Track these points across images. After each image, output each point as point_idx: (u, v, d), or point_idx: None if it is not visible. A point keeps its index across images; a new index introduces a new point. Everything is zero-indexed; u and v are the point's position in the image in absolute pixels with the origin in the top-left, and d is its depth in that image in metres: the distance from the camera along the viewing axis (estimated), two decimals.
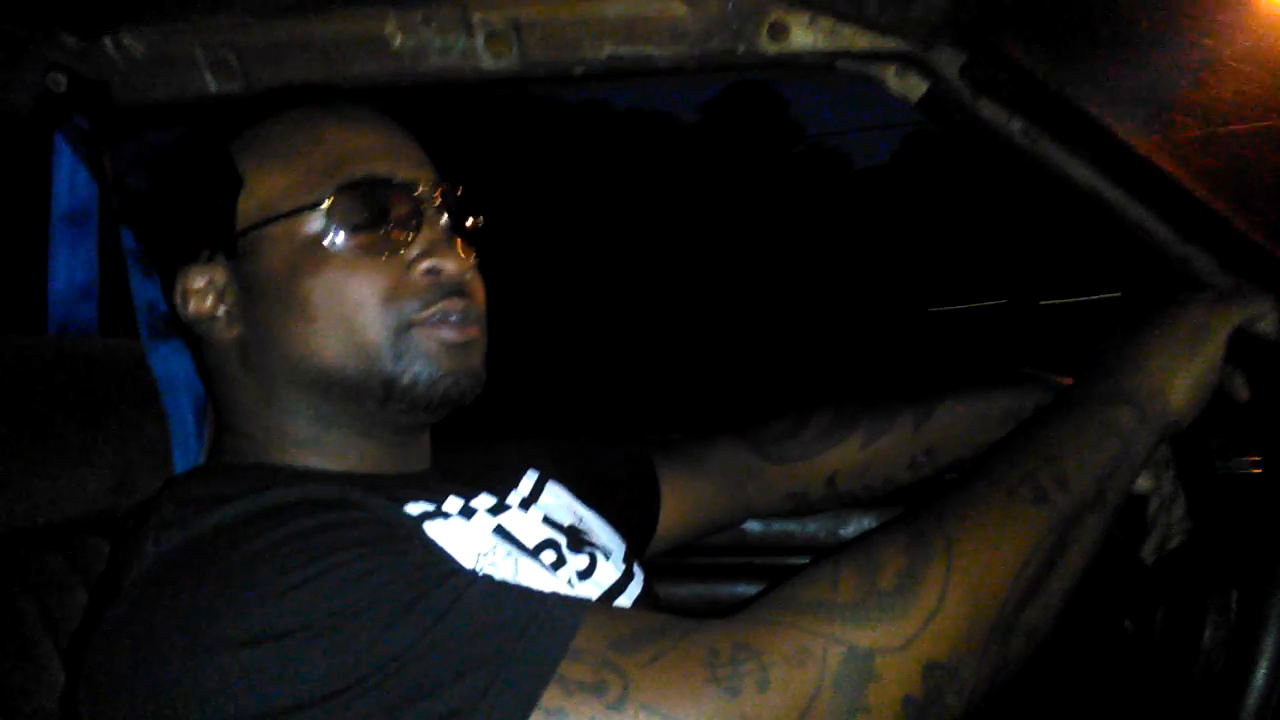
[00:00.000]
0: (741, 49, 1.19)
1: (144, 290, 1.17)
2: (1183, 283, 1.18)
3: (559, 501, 1.03)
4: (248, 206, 0.85)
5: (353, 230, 0.84)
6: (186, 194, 0.89)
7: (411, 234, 0.86)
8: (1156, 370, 0.84)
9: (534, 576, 0.85)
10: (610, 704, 0.62)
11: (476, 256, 0.91)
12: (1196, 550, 0.97)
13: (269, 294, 0.85)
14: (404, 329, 0.84)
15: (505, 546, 0.86)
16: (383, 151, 0.88)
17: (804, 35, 1.18)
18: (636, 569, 1.02)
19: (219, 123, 0.91)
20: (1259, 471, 1.04)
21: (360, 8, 1.26)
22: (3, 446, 0.91)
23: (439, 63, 1.27)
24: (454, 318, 0.86)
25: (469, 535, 0.85)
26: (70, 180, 1.28)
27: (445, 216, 0.88)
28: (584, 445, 1.26)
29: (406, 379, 0.84)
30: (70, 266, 1.25)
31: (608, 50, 1.23)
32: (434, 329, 0.85)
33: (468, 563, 0.76)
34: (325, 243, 0.83)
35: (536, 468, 1.07)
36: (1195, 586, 0.89)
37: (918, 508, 0.74)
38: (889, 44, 1.16)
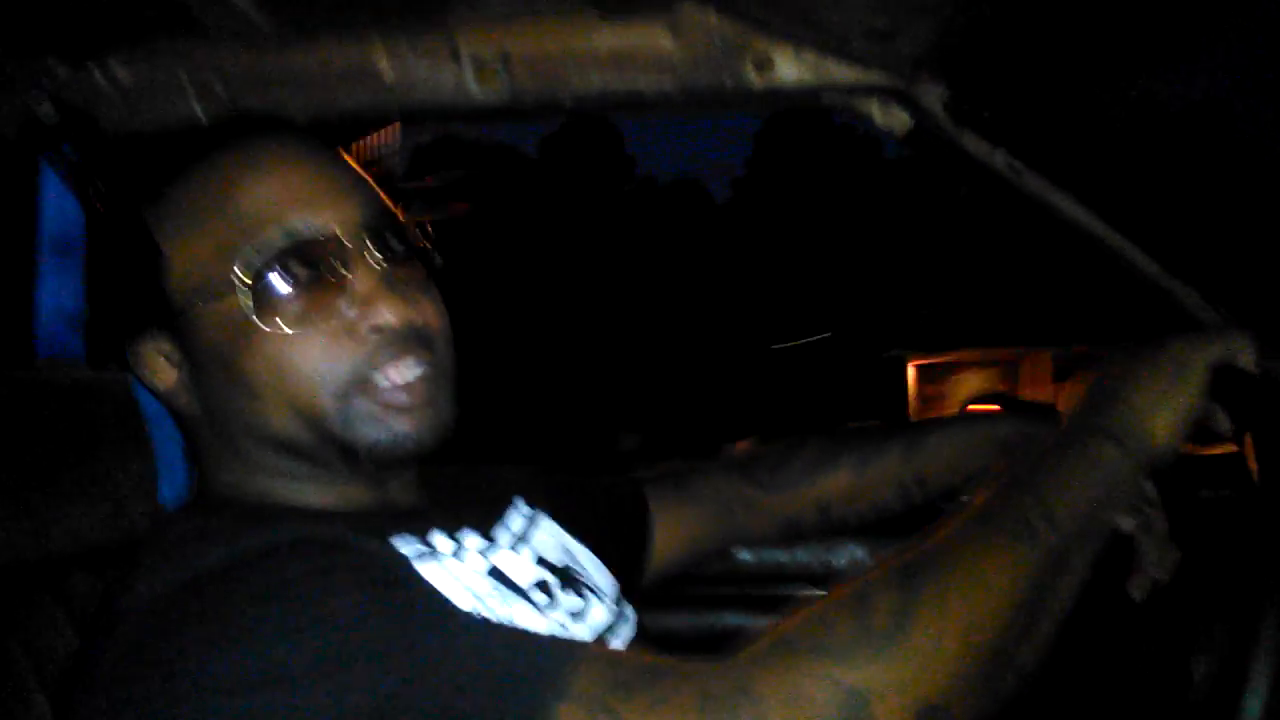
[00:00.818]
0: (728, 82, 1.20)
1: None
2: (1167, 317, 1.19)
3: (551, 539, 1.03)
4: (174, 282, 0.83)
5: (280, 300, 0.80)
6: (119, 268, 0.86)
7: (341, 290, 0.82)
8: (1139, 406, 0.85)
9: (527, 617, 0.84)
10: None
11: (425, 283, 0.88)
12: (1183, 584, 0.98)
13: (213, 370, 0.83)
14: (348, 394, 0.81)
15: (499, 588, 0.86)
16: (302, 200, 0.82)
17: (789, 68, 1.19)
18: (628, 609, 1.02)
19: (137, 181, 0.88)
20: (1240, 503, 1.05)
21: (348, 38, 1.27)
22: None
23: (428, 94, 1.27)
24: (399, 382, 0.82)
25: (461, 575, 0.84)
26: (58, 208, 1.28)
27: (380, 259, 0.83)
28: (573, 476, 1.26)
29: (363, 444, 0.82)
30: (57, 295, 1.25)
31: (596, 82, 1.23)
32: (380, 394, 0.82)
33: (461, 603, 0.76)
34: (254, 319, 0.80)
35: (527, 500, 1.06)
36: (1183, 621, 0.89)
37: (906, 547, 0.74)
38: (873, 78, 1.17)
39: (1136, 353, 0.90)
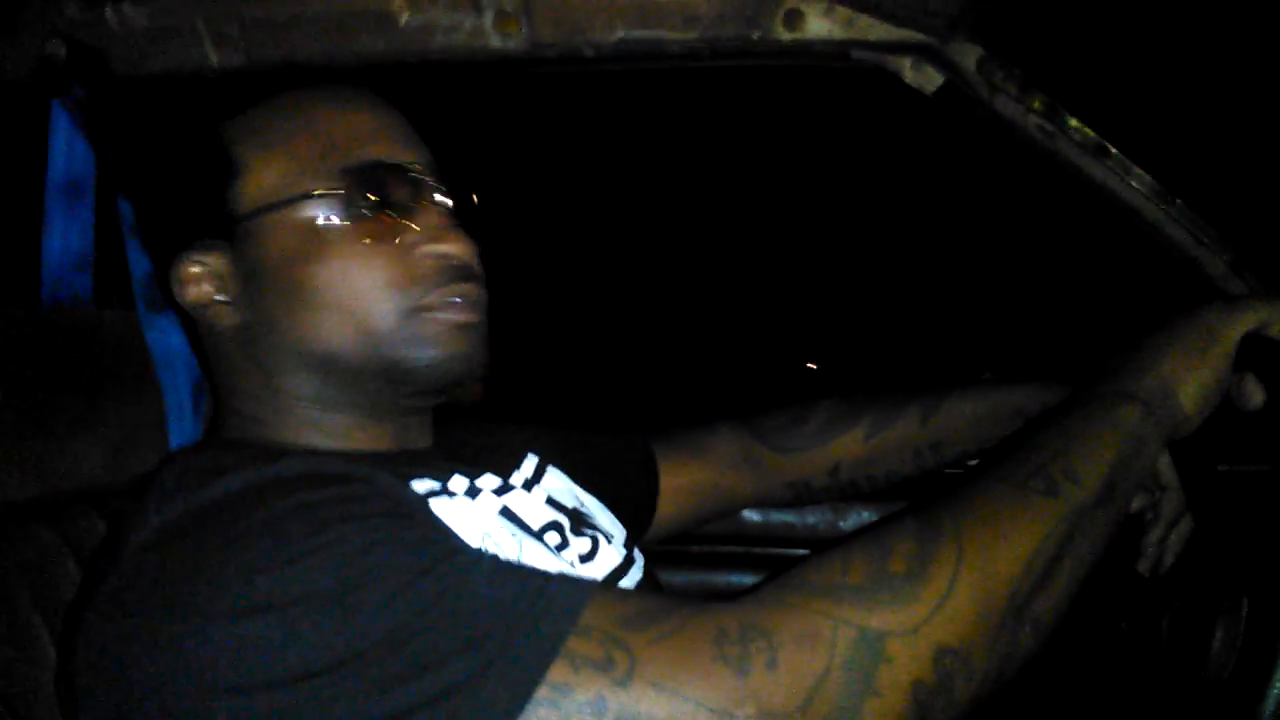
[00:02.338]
0: (756, 35, 1.17)
1: (141, 263, 1.15)
2: (1195, 285, 1.17)
3: (561, 485, 1.03)
4: (245, 193, 0.84)
5: (356, 216, 0.83)
6: (181, 180, 0.87)
7: (413, 219, 0.86)
8: (1165, 372, 0.84)
9: (538, 558, 0.84)
10: (617, 680, 0.61)
11: (467, 238, 0.90)
12: (1202, 556, 0.96)
13: (272, 281, 0.84)
14: (411, 314, 0.84)
15: (510, 527, 0.85)
16: (380, 134, 0.88)
17: (820, 24, 1.16)
18: (637, 554, 1.02)
19: (209, 107, 0.89)
20: (1266, 476, 1.03)
21: None
22: None
23: (445, 41, 1.25)
24: (460, 301, 0.86)
25: (474, 514, 0.84)
26: (67, 150, 1.26)
27: (443, 200, 0.88)
28: (583, 432, 1.25)
29: (413, 363, 0.84)
30: (65, 237, 1.23)
31: (619, 33, 1.21)
32: (441, 313, 0.85)
33: (473, 542, 0.75)
34: (329, 229, 0.83)
35: (536, 451, 1.06)
36: (1202, 593, 0.88)
37: (928, 498, 0.74)
38: (906, 35, 1.15)
39: (1167, 320, 0.89)
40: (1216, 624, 0.86)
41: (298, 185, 0.83)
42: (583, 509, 1.02)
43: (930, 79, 1.19)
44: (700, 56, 1.22)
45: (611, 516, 1.06)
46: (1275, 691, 0.72)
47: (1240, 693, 0.75)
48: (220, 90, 0.91)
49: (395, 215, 0.85)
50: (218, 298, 0.86)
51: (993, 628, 0.67)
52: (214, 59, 1.30)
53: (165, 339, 1.10)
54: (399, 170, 0.86)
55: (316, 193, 0.83)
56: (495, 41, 1.24)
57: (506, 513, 0.89)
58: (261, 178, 0.84)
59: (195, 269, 0.86)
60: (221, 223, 0.85)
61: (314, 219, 0.83)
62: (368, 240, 0.83)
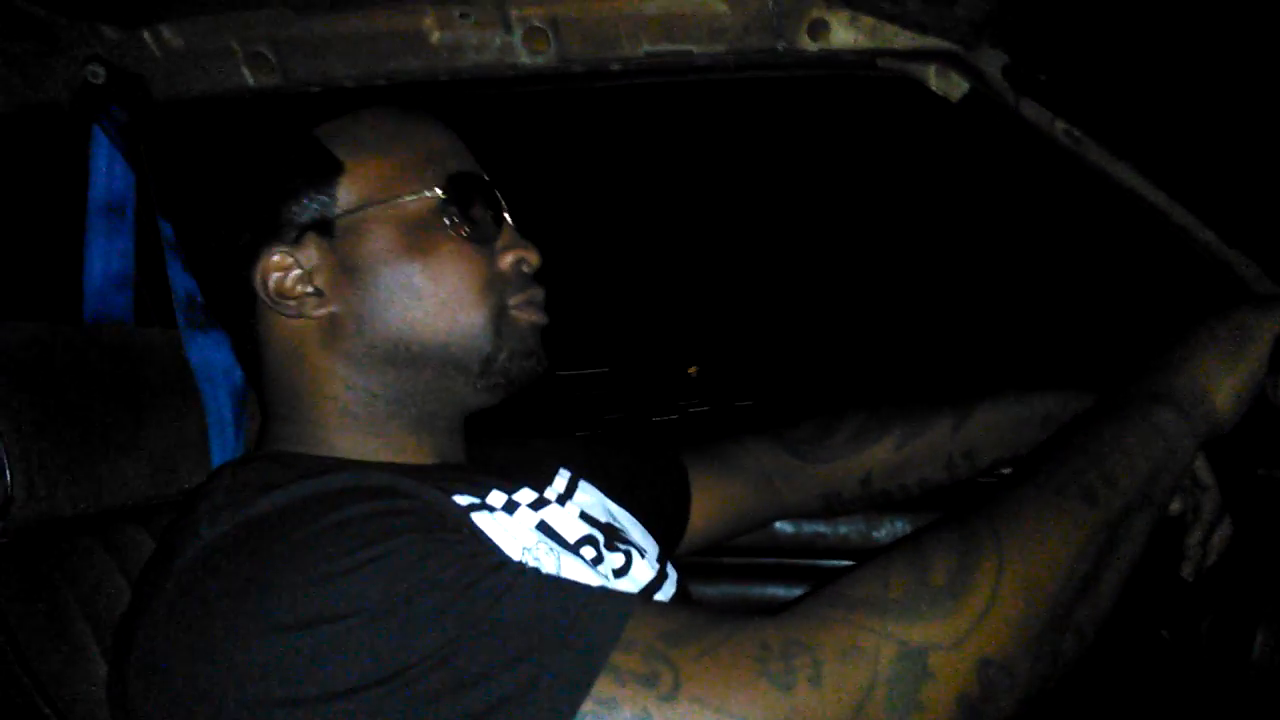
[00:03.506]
0: (781, 47, 1.18)
1: (183, 281, 1.18)
2: (1226, 289, 1.17)
3: (594, 499, 1.03)
4: (349, 191, 0.89)
5: (457, 219, 0.90)
6: (277, 179, 0.91)
7: (497, 228, 0.94)
8: (1199, 373, 0.83)
9: (576, 572, 0.84)
10: (662, 695, 0.61)
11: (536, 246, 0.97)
12: (1243, 560, 0.96)
13: (374, 274, 0.88)
14: (502, 311, 0.91)
15: (548, 541, 0.86)
16: (461, 151, 0.95)
17: (845, 33, 1.17)
18: (670, 569, 1.02)
19: (296, 114, 0.94)
20: None
21: (398, 3, 1.26)
22: (40, 434, 0.91)
23: (476, 59, 1.26)
24: (536, 304, 0.94)
25: (513, 529, 0.85)
26: (108, 172, 1.29)
27: (507, 211, 0.96)
28: (613, 445, 1.25)
29: (503, 356, 0.90)
30: (106, 257, 1.26)
31: (646, 47, 1.22)
32: (524, 313, 0.92)
33: (514, 556, 0.76)
34: (431, 229, 0.89)
35: (568, 466, 1.07)
36: (1243, 597, 0.87)
37: (966, 508, 0.73)
38: (931, 43, 1.15)
39: (1200, 320, 0.88)
40: (1258, 628, 0.85)
41: (402, 187, 0.89)
42: (616, 523, 1.03)
43: (955, 86, 1.19)
44: (726, 69, 1.23)
45: (644, 531, 1.06)
46: None
47: None
48: (299, 107, 0.94)
49: (485, 222, 0.92)
50: (306, 290, 0.89)
51: (1035, 638, 0.67)
52: (250, 80, 1.33)
53: (207, 355, 1.12)
54: (486, 184, 0.94)
55: (422, 195, 0.89)
56: (525, 58, 1.26)
57: (543, 527, 0.90)
58: (365, 178, 0.89)
59: (285, 261, 0.89)
60: (320, 218, 0.89)
61: (417, 217, 0.89)
62: (464, 243, 0.90)
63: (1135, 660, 1.13)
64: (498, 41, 1.25)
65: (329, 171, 0.89)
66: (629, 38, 1.22)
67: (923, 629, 0.64)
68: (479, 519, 0.81)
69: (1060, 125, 1.15)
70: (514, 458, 1.05)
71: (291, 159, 0.90)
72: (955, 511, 0.74)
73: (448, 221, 0.90)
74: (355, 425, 0.90)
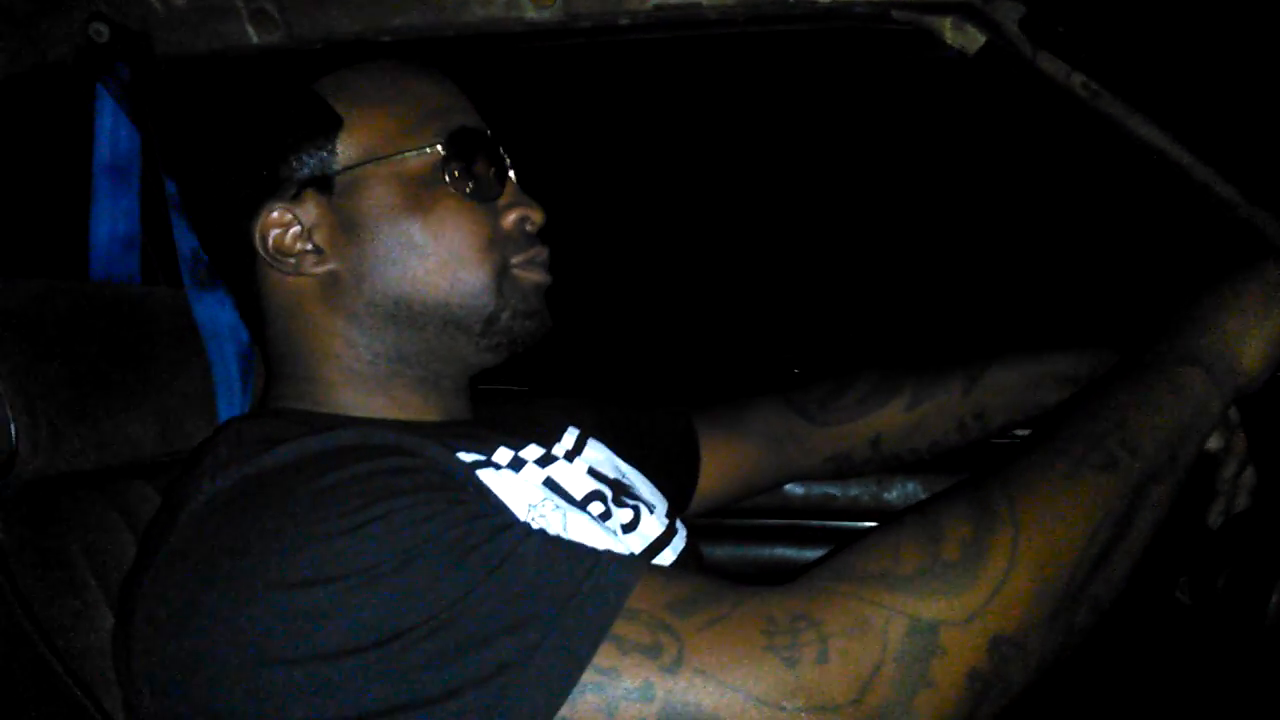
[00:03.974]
0: None
1: (188, 240, 1.17)
2: (1249, 246, 1.14)
3: (602, 456, 1.03)
4: (347, 146, 0.87)
5: (459, 175, 0.88)
6: (275, 134, 0.89)
7: (500, 185, 0.92)
8: (1227, 331, 0.81)
9: (582, 529, 0.84)
10: (665, 667, 0.60)
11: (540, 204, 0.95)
12: (1263, 513, 0.94)
13: (374, 230, 0.87)
14: (504, 270, 0.89)
15: (554, 498, 0.85)
16: (464, 106, 0.93)
17: None
18: (679, 524, 1.02)
19: (295, 69, 0.92)
20: None
21: None
22: (45, 390, 0.91)
23: (482, 13, 1.24)
24: (540, 262, 0.92)
25: (519, 486, 0.84)
26: (112, 131, 1.28)
27: (511, 167, 0.94)
28: (622, 406, 1.25)
29: (505, 316, 0.89)
30: (112, 217, 1.25)
31: (654, 0, 1.20)
32: (527, 272, 0.91)
33: (518, 513, 0.76)
34: (432, 184, 0.87)
35: (576, 424, 1.06)
36: (1262, 549, 0.86)
37: (980, 475, 0.71)
38: None
39: (1225, 277, 0.86)
40: (1275, 586, 0.84)
41: (403, 142, 0.87)
42: (624, 479, 1.02)
43: (971, 39, 1.16)
44: (736, 22, 1.20)
45: (653, 488, 1.06)
46: None
47: None
48: (300, 62, 0.92)
49: (488, 179, 0.90)
50: (305, 247, 0.88)
51: (1050, 613, 0.65)
52: (254, 37, 1.31)
53: (213, 313, 1.11)
54: (489, 139, 0.92)
55: (422, 149, 0.87)
56: (531, 13, 1.24)
57: (550, 483, 0.89)
58: (364, 133, 0.88)
59: (284, 217, 0.88)
60: (319, 174, 0.87)
61: (420, 174, 0.87)
62: (466, 199, 0.88)
63: (1150, 617, 1.12)
64: None
65: (328, 126, 0.87)
66: None
67: (934, 604, 0.62)
68: (485, 476, 0.80)
69: (1078, 78, 1.12)
70: (521, 415, 1.04)
71: (290, 114, 0.89)
72: (970, 478, 0.72)
73: (449, 178, 0.88)
74: (359, 383, 0.89)
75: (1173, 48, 1.17)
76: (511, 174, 0.94)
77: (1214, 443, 1.00)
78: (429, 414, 0.91)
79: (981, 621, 0.62)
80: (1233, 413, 1.00)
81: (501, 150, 0.93)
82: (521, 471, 0.88)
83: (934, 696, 0.61)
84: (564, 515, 0.84)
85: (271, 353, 0.93)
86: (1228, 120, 1.16)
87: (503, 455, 0.88)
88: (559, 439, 1.01)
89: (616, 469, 1.03)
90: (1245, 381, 0.81)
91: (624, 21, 1.22)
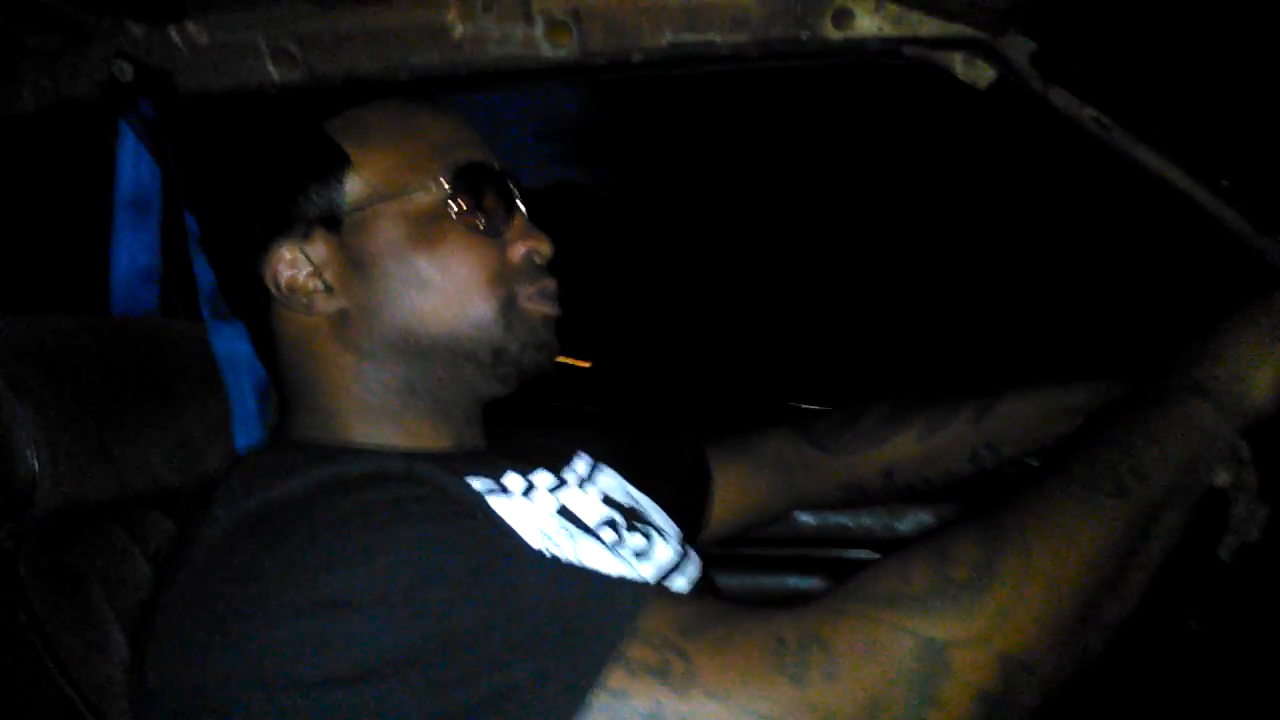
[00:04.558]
0: (805, 36, 1.18)
1: (207, 273, 1.19)
2: (1259, 277, 1.14)
3: (614, 483, 1.03)
4: (355, 184, 0.88)
5: (466, 211, 0.89)
6: (285, 173, 0.90)
7: (508, 218, 0.92)
8: (1235, 362, 0.81)
9: (594, 555, 0.84)
10: (674, 688, 0.60)
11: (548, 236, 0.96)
12: (1275, 545, 0.94)
13: (383, 268, 0.88)
14: (512, 302, 0.90)
15: (566, 525, 0.86)
16: (473, 142, 0.94)
17: (870, 22, 1.16)
18: (691, 552, 1.02)
19: (305, 108, 0.94)
20: None
21: None
22: (66, 422, 0.92)
23: (498, 52, 1.26)
24: (548, 295, 0.93)
25: (531, 513, 0.84)
26: (134, 166, 1.30)
27: (519, 201, 0.95)
28: (634, 436, 1.25)
29: (514, 347, 0.89)
30: (133, 250, 1.27)
31: (668, 38, 1.22)
32: (535, 304, 0.91)
33: (531, 540, 0.76)
34: (439, 221, 0.88)
35: (588, 452, 1.06)
36: (1273, 581, 0.86)
37: (991, 501, 0.72)
38: (957, 30, 1.14)
39: (1235, 309, 0.86)
40: None
41: (410, 180, 0.89)
42: (637, 506, 1.02)
43: (982, 74, 1.18)
44: (749, 58, 1.22)
45: (665, 515, 1.06)
46: None
47: None
48: (313, 101, 0.94)
49: (495, 213, 0.91)
50: (316, 285, 0.89)
51: (1060, 636, 0.65)
52: (275, 75, 1.33)
53: (230, 346, 1.12)
54: (497, 174, 0.93)
55: (429, 186, 0.88)
56: (547, 51, 1.26)
57: (563, 510, 0.89)
58: (372, 171, 0.89)
59: (295, 256, 0.89)
60: (328, 213, 0.88)
61: (426, 210, 0.88)
62: (473, 234, 0.89)
63: (1164, 646, 1.11)
64: (519, 34, 1.25)
65: (335, 166, 0.89)
66: (651, 28, 1.22)
67: (943, 624, 0.62)
68: (496, 503, 0.81)
69: (1089, 112, 1.13)
70: (534, 443, 1.05)
71: (299, 154, 0.90)
72: (980, 505, 0.72)
73: (455, 213, 0.89)
74: (371, 415, 0.90)
75: (1182, 82, 1.18)
76: (521, 206, 0.95)
77: (1225, 478, 1.00)
78: (441, 443, 0.92)
79: (990, 642, 0.62)
80: (1244, 449, 1.00)
81: (510, 184, 0.94)
82: (534, 498, 0.88)
83: (943, 717, 0.61)
84: (575, 542, 0.84)
85: (285, 386, 0.94)
86: (1237, 152, 1.17)
87: (515, 482, 0.89)
88: (571, 466, 1.01)
89: (629, 496, 1.03)
90: (1253, 413, 0.81)
91: (638, 59, 1.24)
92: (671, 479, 1.19)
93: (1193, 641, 1.00)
